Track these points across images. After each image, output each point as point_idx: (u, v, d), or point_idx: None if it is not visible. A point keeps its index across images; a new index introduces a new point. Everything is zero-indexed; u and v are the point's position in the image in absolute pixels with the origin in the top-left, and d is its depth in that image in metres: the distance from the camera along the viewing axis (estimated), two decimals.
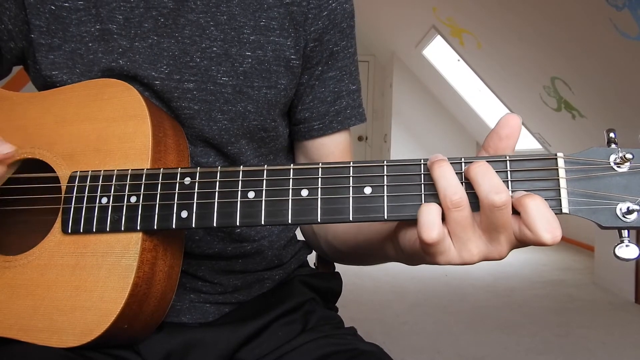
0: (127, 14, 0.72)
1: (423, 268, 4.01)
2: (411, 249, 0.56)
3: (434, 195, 0.52)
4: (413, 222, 0.53)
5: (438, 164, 0.51)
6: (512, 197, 0.50)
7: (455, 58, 5.67)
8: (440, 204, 0.51)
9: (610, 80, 3.55)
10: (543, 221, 0.48)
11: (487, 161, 0.52)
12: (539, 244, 0.48)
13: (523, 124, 5.30)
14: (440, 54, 5.94)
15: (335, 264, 0.96)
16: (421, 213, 0.50)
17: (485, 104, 6.04)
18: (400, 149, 7.25)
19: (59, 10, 0.71)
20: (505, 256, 0.52)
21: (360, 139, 8.11)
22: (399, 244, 0.58)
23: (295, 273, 0.89)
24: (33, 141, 0.69)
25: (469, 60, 5.44)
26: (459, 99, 6.54)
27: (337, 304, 0.93)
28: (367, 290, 3.56)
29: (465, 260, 0.52)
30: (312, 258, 0.96)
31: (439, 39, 5.57)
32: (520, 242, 0.51)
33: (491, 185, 0.49)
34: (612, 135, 0.51)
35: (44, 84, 0.73)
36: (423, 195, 0.53)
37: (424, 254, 0.53)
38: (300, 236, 0.93)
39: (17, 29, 0.72)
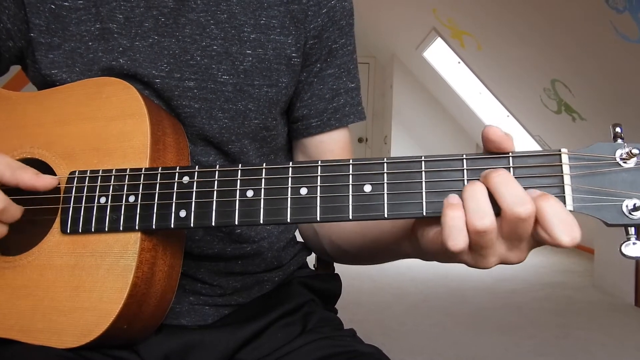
0: (127, 13, 0.72)
1: (423, 269, 4.01)
2: (430, 247, 0.55)
3: (434, 193, 0.52)
4: (433, 219, 0.53)
5: (470, 184, 0.50)
6: None
7: (456, 60, 5.67)
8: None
9: (610, 83, 3.55)
10: (560, 224, 0.46)
11: (490, 157, 0.52)
12: (557, 246, 0.47)
13: (523, 126, 5.32)
14: (440, 55, 5.94)
15: (334, 265, 0.96)
16: (446, 218, 0.49)
17: (486, 106, 6.04)
18: (401, 151, 7.25)
19: (59, 9, 0.71)
20: (524, 260, 0.52)
21: (360, 140, 8.11)
22: (417, 242, 0.57)
23: (294, 274, 0.89)
24: (32, 141, 0.69)
25: (469, 62, 5.44)
26: (459, 101, 6.54)
27: (336, 306, 0.92)
28: (367, 292, 3.55)
29: (480, 267, 0.51)
30: (311, 259, 0.96)
31: (439, 41, 5.57)
32: (537, 244, 0.50)
33: (515, 196, 0.47)
34: (618, 130, 0.50)
35: (44, 82, 0.73)
36: (424, 193, 0.52)
37: (442, 255, 0.52)
38: (299, 237, 0.93)
39: (16, 27, 0.72)
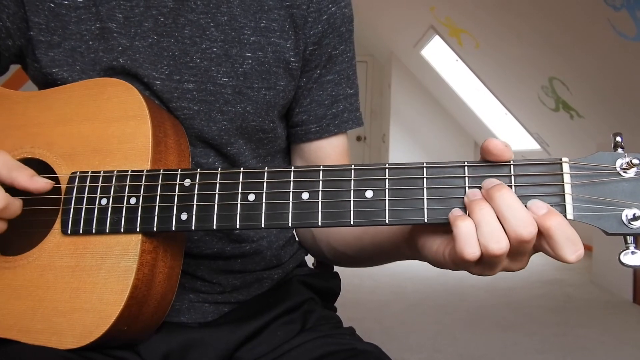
0: (127, 13, 0.72)
1: (422, 268, 4.00)
2: (434, 258, 0.56)
3: (435, 200, 0.52)
4: (434, 232, 0.54)
5: (479, 205, 0.50)
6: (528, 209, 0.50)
7: (454, 58, 5.66)
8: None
9: (608, 81, 3.55)
10: (568, 244, 0.48)
11: (491, 165, 0.52)
12: (563, 262, 0.49)
13: (521, 123, 5.32)
14: (438, 54, 5.94)
15: None
16: (459, 230, 0.50)
17: (484, 104, 6.04)
18: (399, 149, 7.25)
19: (58, 7, 0.71)
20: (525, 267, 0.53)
21: (358, 139, 8.11)
22: (418, 252, 0.59)
23: (294, 273, 0.89)
24: (32, 141, 0.68)
25: (467, 60, 5.44)
26: (457, 99, 6.54)
27: (335, 304, 0.93)
28: (366, 290, 3.55)
29: (485, 275, 0.53)
30: (310, 258, 0.96)
31: (437, 39, 5.57)
32: (538, 252, 0.52)
33: (518, 219, 0.48)
34: (618, 139, 0.50)
35: (45, 81, 0.73)
36: (425, 199, 0.53)
37: (449, 265, 0.53)
38: None
39: (16, 26, 0.72)
